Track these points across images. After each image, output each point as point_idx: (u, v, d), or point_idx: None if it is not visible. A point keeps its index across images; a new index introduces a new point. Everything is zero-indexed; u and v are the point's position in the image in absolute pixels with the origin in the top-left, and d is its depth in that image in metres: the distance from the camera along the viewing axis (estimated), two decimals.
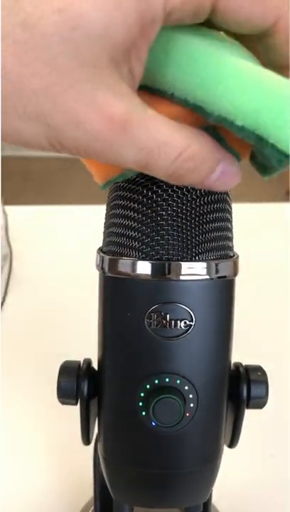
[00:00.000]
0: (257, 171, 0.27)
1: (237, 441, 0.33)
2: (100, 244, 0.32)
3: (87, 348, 0.33)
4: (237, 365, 0.33)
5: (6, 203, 0.83)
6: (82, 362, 0.33)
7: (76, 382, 0.32)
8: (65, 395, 0.32)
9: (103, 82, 0.20)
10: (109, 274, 0.30)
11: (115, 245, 0.30)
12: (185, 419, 0.29)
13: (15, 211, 0.84)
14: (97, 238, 0.33)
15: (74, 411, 0.32)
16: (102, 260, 0.30)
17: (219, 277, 0.29)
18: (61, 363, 0.33)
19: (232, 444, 0.34)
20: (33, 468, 0.50)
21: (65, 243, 0.81)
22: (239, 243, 0.33)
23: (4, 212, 0.82)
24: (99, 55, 0.20)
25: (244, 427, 0.33)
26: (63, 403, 0.32)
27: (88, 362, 0.33)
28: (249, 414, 0.32)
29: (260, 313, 0.67)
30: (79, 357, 0.34)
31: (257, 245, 0.67)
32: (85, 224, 0.64)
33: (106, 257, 0.30)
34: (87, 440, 0.33)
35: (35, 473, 0.50)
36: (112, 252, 0.30)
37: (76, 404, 0.32)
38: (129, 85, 0.22)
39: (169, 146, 0.22)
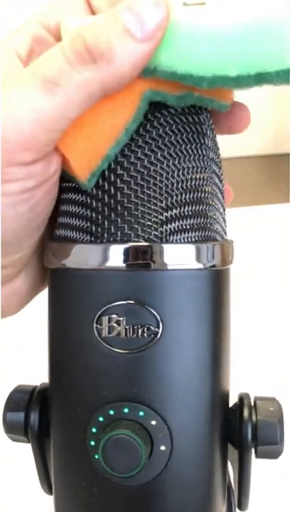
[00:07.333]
0: None
1: (247, 502, 0.24)
2: None
3: None
4: (242, 397, 0.24)
5: None
6: (38, 386, 0.25)
7: (24, 414, 0.24)
8: (12, 429, 0.24)
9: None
10: (50, 266, 0.23)
11: (60, 228, 0.23)
12: (149, 467, 0.21)
13: None
14: None
15: None
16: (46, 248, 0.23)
17: (208, 267, 0.21)
18: None
19: (241, 505, 0.24)
20: None
21: None
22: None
23: None
24: None
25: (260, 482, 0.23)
26: (14, 440, 0.25)
27: (44, 387, 0.25)
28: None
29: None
30: None
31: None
32: None
33: (48, 244, 0.23)
34: (48, 488, 0.26)
35: None
36: (57, 238, 0.23)
37: (28, 441, 0.25)
38: None
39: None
